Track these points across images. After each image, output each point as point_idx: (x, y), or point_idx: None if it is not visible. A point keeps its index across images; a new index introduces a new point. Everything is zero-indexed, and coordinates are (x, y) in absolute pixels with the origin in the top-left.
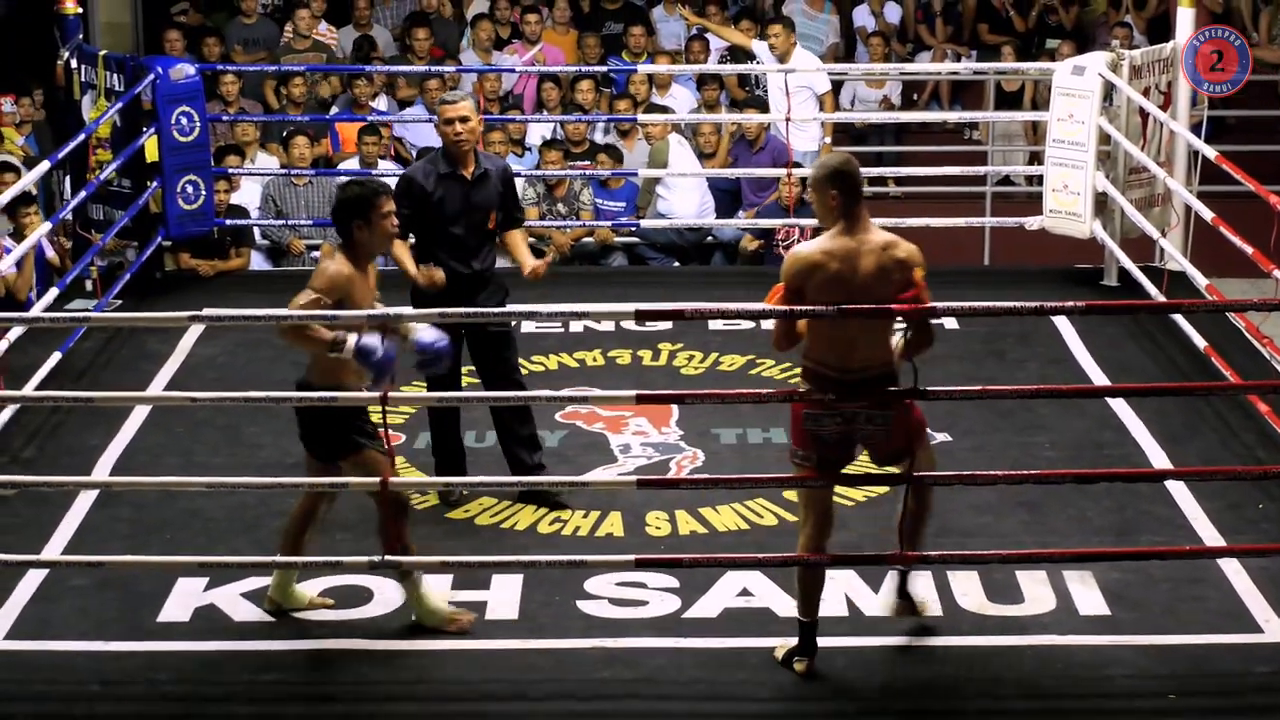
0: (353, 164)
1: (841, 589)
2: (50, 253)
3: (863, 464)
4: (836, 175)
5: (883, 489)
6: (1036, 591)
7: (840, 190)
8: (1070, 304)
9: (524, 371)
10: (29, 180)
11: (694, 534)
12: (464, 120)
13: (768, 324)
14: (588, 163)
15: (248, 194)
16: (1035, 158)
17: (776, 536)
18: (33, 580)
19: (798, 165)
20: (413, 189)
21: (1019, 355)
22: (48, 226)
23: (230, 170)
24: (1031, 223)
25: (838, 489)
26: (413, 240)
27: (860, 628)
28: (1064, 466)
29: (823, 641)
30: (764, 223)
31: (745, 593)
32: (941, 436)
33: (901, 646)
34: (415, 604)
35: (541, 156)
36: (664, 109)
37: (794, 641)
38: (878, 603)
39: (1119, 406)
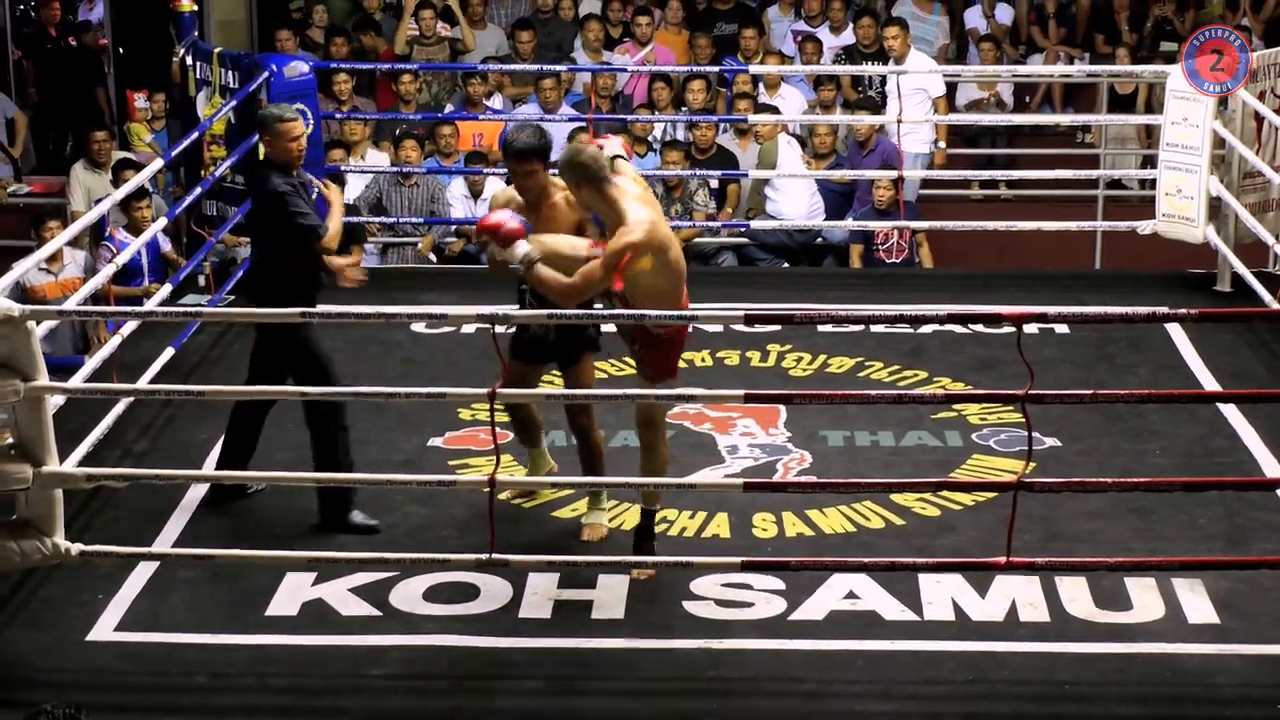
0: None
1: (948, 593)
2: (166, 246)
3: (970, 470)
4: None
5: (990, 494)
6: (1145, 599)
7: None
8: (1183, 311)
9: (632, 371)
10: (143, 177)
11: (800, 536)
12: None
13: (877, 327)
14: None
15: (351, 190)
16: (1148, 161)
17: (883, 539)
18: (144, 572)
19: (890, 167)
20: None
21: (1129, 360)
22: (163, 222)
23: (340, 168)
24: (1144, 227)
25: (947, 494)
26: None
27: (966, 631)
28: (1174, 473)
29: (929, 645)
30: (871, 224)
31: (851, 595)
32: (1051, 441)
33: (1008, 651)
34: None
35: (663, 157)
36: (773, 109)
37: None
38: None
39: (1230, 413)
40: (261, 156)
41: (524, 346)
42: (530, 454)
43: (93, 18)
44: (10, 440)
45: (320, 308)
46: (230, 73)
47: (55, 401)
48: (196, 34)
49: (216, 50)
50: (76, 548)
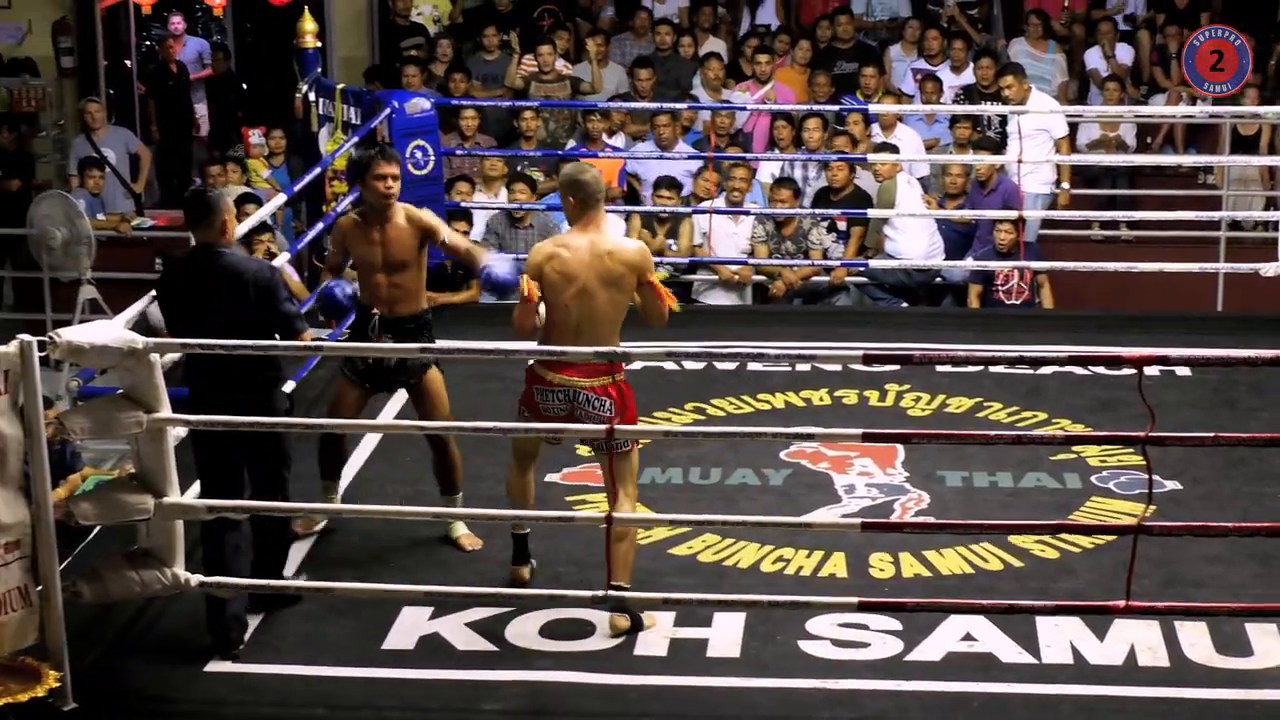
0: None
1: (1066, 636)
2: (295, 278)
3: (1089, 512)
4: (574, 184)
5: (1109, 537)
6: (1266, 644)
7: (576, 197)
8: None
9: (750, 409)
10: (266, 211)
11: (918, 576)
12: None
13: (996, 367)
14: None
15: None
16: (1271, 203)
17: (1001, 580)
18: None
19: (1010, 207)
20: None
21: (1251, 404)
22: (285, 256)
23: (462, 204)
24: (1267, 269)
25: (1065, 536)
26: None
27: (1084, 675)
28: None
29: (1046, 689)
30: (990, 265)
31: (968, 637)
32: (1172, 484)
33: (1126, 696)
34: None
35: (771, 195)
36: (892, 149)
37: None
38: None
39: None
40: (203, 238)
41: (364, 373)
42: (323, 485)
43: (185, 57)
44: (132, 471)
45: (441, 343)
46: (352, 109)
47: (177, 433)
48: (320, 70)
49: (339, 86)
50: (196, 578)
